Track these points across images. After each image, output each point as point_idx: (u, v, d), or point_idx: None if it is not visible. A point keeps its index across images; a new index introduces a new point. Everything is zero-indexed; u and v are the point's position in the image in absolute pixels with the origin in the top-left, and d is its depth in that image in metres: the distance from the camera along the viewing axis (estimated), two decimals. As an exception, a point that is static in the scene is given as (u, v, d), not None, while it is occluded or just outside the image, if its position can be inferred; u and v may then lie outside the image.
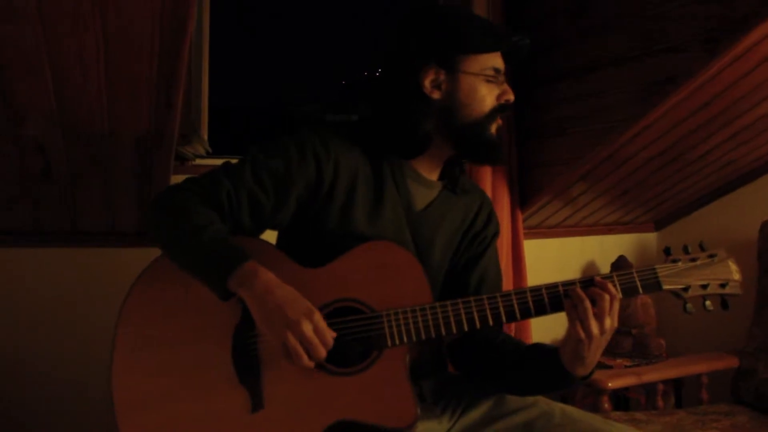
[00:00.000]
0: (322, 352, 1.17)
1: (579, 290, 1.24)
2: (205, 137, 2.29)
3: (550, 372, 1.31)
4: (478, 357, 1.45)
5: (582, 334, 1.22)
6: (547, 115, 2.49)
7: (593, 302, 1.23)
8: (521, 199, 2.63)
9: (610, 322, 1.23)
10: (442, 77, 1.36)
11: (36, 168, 1.76)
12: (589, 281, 1.27)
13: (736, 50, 1.87)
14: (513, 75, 2.34)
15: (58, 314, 2.07)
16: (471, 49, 1.36)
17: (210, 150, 2.27)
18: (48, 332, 2.06)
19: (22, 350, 2.04)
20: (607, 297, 1.23)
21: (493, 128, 1.40)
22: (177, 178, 1.53)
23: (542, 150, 2.53)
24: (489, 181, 2.49)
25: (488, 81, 1.37)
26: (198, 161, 2.21)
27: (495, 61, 1.38)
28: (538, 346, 1.37)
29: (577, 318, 1.23)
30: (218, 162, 1.38)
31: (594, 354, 1.25)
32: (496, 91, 1.39)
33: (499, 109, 1.40)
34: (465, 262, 1.50)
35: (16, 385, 2.03)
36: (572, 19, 2.35)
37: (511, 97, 1.40)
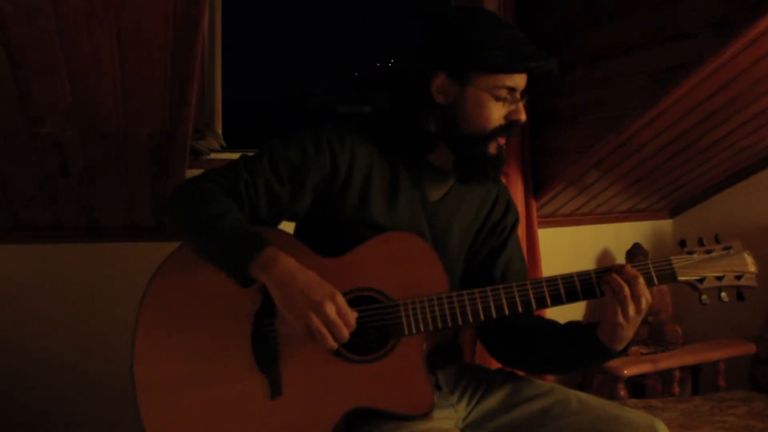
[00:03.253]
0: (346, 333, 1.19)
1: (616, 276, 1.26)
2: (219, 131, 2.31)
3: (591, 350, 1.34)
4: (515, 342, 1.46)
5: (621, 318, 1.26)
6: (559, 102, 2.48)
7: (630, 286, 1.26)
8: (535, 188, 2.63)
9: (645, 302, 1.26)
10: (450, 86, 1.34)
11: (53, 165, 1.79)
12: (615, 269, 1.29)
13: (749, 35, 1.86)
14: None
15: (77, 309, 2.10)
16: (483, 68, 1.31)
17: (224, 144, 2.29)
18: (67, 327, 2.09)
19: (40, 345, 2.06)
20: (641, 279, 1.26)
21: (492, 147, 1.36)
22: (192, 173, 1.55)
23: (555, 138, 2.53)
24: (502, 170, 2.48)
25: (498, 99, 1.33)
26: (212, 155, 2.23)
27: (511, 79, 1.33)
28: (574, 326, 1.40)
29: (617, 303, 1.25)
30: (232, 156, 1.40)
31: (631, 331, 1.29)
32: (504, 110, 1.35)
33: (505, 128, 1.36)
34: (487, 253, 1.50)
35: (34, 381, 2.06)
36: (585, 7, 2.33)
37: (521, 117, 1.36)
